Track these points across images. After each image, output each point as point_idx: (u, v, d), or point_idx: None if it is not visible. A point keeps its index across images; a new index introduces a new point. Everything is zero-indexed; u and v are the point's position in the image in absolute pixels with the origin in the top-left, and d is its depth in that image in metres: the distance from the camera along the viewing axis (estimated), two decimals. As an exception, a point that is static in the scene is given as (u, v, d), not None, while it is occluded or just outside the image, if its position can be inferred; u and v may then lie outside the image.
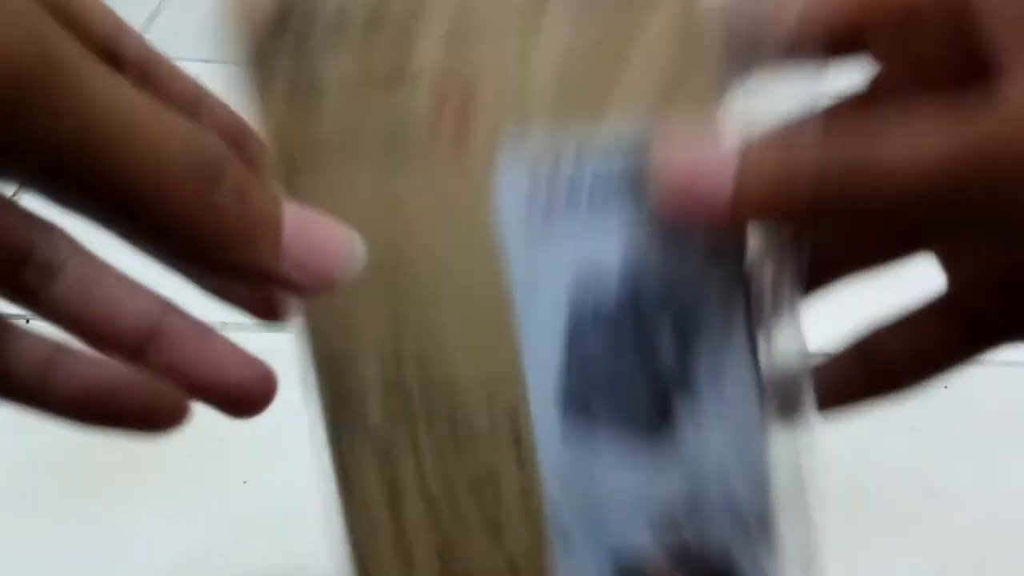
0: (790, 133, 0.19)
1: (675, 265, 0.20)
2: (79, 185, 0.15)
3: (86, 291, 0.21)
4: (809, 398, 0.22)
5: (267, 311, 0.24)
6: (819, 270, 0.22)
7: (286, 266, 0.17)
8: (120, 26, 0.23)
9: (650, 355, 0.21)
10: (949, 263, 0.23)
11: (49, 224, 0.20)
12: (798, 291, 0.21)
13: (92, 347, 0.21)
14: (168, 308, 0.22)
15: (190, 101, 0.24)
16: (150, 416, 0.21)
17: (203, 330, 0.22)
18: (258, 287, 0.18)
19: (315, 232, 0.18)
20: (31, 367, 0.20)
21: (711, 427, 0.21)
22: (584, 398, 0.21)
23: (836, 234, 0.22)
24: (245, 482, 0.43)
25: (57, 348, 0.21)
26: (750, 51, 0.19)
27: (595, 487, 0.21)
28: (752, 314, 0.21)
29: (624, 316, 0.20)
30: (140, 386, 0.21)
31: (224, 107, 0.24)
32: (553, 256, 0.20)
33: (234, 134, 0.24)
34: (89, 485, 0.43)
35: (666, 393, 0.21)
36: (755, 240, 0.21)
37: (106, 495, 0.43)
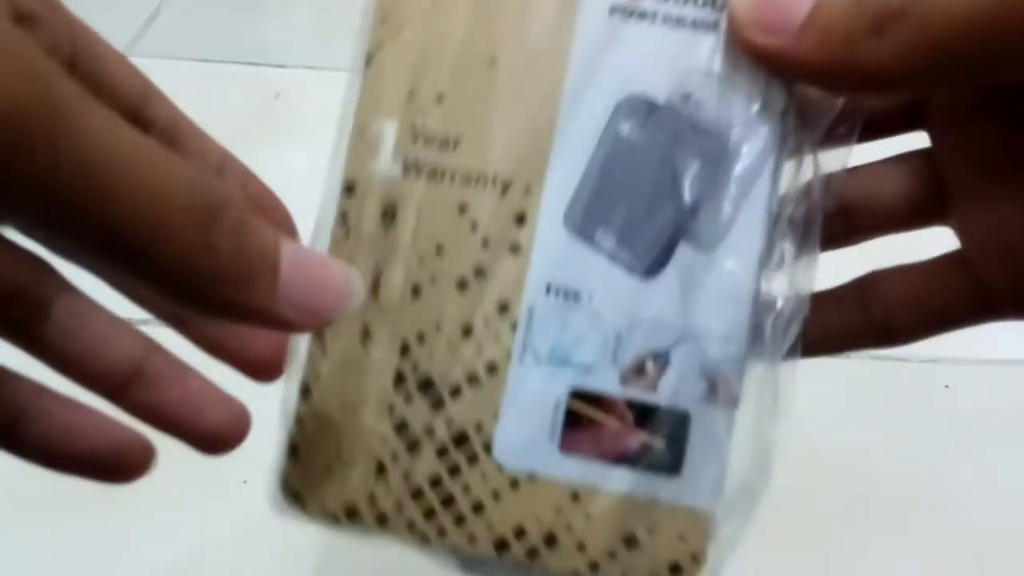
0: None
1: (722, 112, 0.22)
2: (76, 229, 0.14)
3: (72, 330, 0.21)
4: (799, 328, 0.23)
5: (259, 370, 0.24)
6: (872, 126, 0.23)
7: (282, 306, 0.17)
8: (148, 88, 0.23)
9: (670, 193, 0.22)
10: (965, 221, 0.23)
11: (40, 261, 0.21)
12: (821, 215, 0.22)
13: (76, 383, 0.21)
14: (152, 348, 0.23)
15: (216, 166, 0.24)
16: (117, 469, 0.23)
17: (183, 370, 0.23)
18: (255, 327, 0.17)
19: (313, 271, 0.18)
20: (3, 414, 0.21)
21: (707, 283, 0.22)
22: (593, 221, 0.22)
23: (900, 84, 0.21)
24: (245, 482, 0.43)
25: (32, 395, 0.21)
26: None
27: (577, 313, 0.22)
28: (775, 195, 0.22)
29: (657, 148, 0.22)
30: (110, 439, 0.22)
31: (250, 174, 0.25)
32: (610, 67, 0.22)
33: (259, 201, 0.25)
34: (89, 485, 0.43)
35: (674, 235, 0.22)
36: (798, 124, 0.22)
37: (106, 495, 0.42)
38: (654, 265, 0.22)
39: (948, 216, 0.24)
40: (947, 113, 0.23)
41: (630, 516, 0.22)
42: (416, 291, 0.22)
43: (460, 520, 0.22)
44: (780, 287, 0.22)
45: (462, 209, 0.22)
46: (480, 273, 0.22)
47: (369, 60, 0.23)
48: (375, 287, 0.22)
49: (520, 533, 0.22)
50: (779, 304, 0.22)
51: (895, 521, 0.44)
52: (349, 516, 0.23)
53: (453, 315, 0.22)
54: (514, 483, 0.22)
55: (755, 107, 0.22)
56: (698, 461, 0.22)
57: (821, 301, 0.24)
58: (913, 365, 0.51)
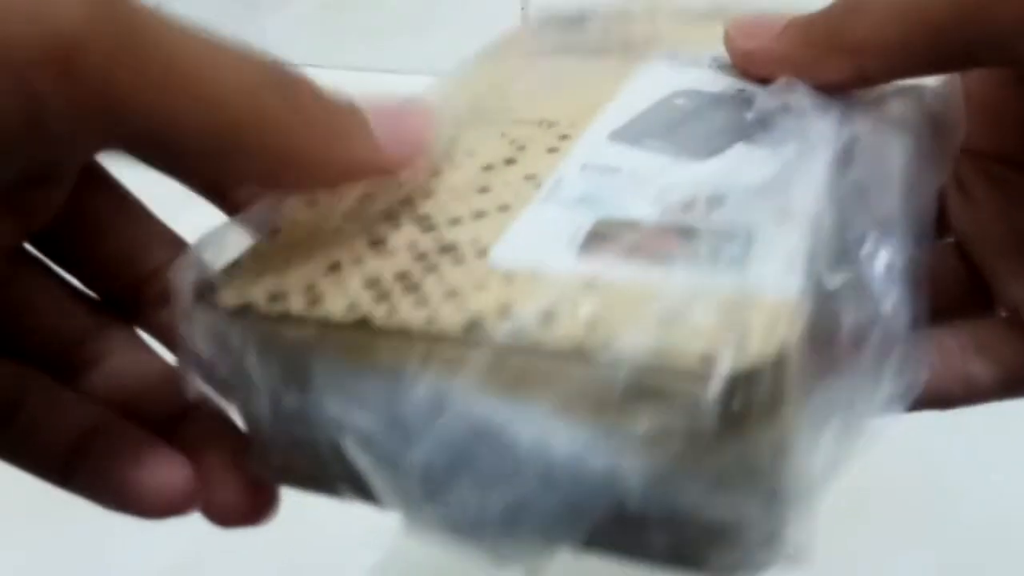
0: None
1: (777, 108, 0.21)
2: (180, 124, 0.15)
3: (121, 378, 0.21)
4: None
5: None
6: None
7: (383, 151, 0.18)
8: None
9: (729, 115, 0.22)
10: (1009, 302, 0.23)
11: (101, 312, 0.21)
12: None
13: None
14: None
15: None
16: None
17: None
18: (361, 179, 0.18)
19: (397, 111, 0.18)
20: (56, 448, 0.20)
21: (764, 160, 0.20)
22: (640, 132, 0.21)
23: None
24: (244, 481, 0.43)
25: (87, 431, 0.20)
26: None
27: (616, 174, 0.20)
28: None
29: (712, 114, 0.22)
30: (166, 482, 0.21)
31: None
32: (669, 72, 0.23)
33: None
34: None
35: (730, 133, 0.21)
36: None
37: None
38: (705, 151, 0.20)
39: (994, 305, 0.23)
40: (971, 200, 0.23)
41: (664, 298, 0.16)
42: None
43: (421, 303, 0.17)
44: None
45: (504, 134, 0.22)
46: (510, 162, 0.21)
47: None
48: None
49: (504, 311, 0.16)
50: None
51: (895, 520, 0.44)
52: (272, 300, 0.17)
53: (470, 178, 0.20)
54: (508, 277, 0.17)
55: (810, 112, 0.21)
56: (762, 269, 0.16)
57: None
58: (913, 365, 0.51)
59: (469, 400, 0.16)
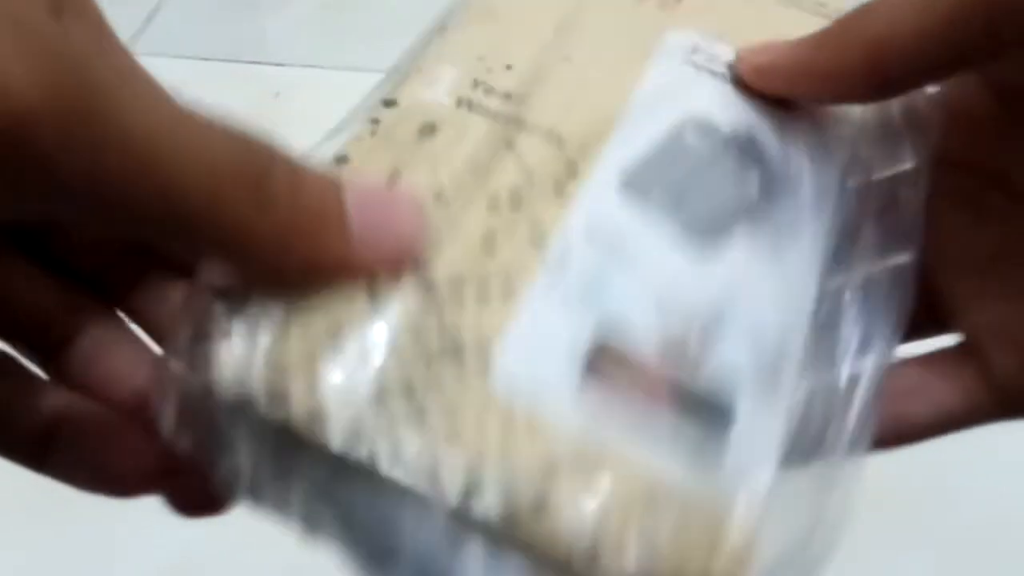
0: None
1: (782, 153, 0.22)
2: (127, 209, 0.14)
3: (94, 358, 0.20)
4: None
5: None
6: None
7: (360, 252, 0.16)
8: None
9: (736, 182, 0.21)
10: (968, 325, 0.23)
11: (74, 290, 0.20)
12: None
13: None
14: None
15: None
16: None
17: None
18: (337, 280, 0.17)
19: (382, 207, 0.17)
20: (29, 434, 0.20)
21: (764, 263, 0.20)
22: (652, 180, 0.21)
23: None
24: (245, 481, 0.43)
25: (61, 415, 0.20)
26: None
27: (620, 266, 0.19)
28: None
29: (719, 158, 0.21)
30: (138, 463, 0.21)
31: None
32: (681, 92, 0.22)
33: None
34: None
35: (735, 212, 0.21)
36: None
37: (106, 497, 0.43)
38: (710, 233, 0.20)
39: (949, 326, 0.23)
40: (936, 218, 0.23)
41: (654, 504, 0.17)
42: (438, 196, 0.19)
43: (426, 441, 0.17)
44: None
45: (509, 144, 0.20)
46: (516, 201, 0.20)
47: (442, 30, 0.22)
48: (388, 185, 0.19)
49: (503, 471, 0.17)
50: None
51: (896, 521, 0.44)
52: (272, 400, 0.17)
53: (474, 225, 0.19)
54: (508, 417, 0.17)
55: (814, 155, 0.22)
56: (739, 458, 0.18)
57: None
58: (913, 365, 0.51)
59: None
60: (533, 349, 0.18)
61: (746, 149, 0.22)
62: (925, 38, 0.19)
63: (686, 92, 0.23)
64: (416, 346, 0.17)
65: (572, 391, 0.18)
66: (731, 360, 0.19)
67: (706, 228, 0.21)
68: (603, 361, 0.18)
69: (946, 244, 0.23)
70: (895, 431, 0.23)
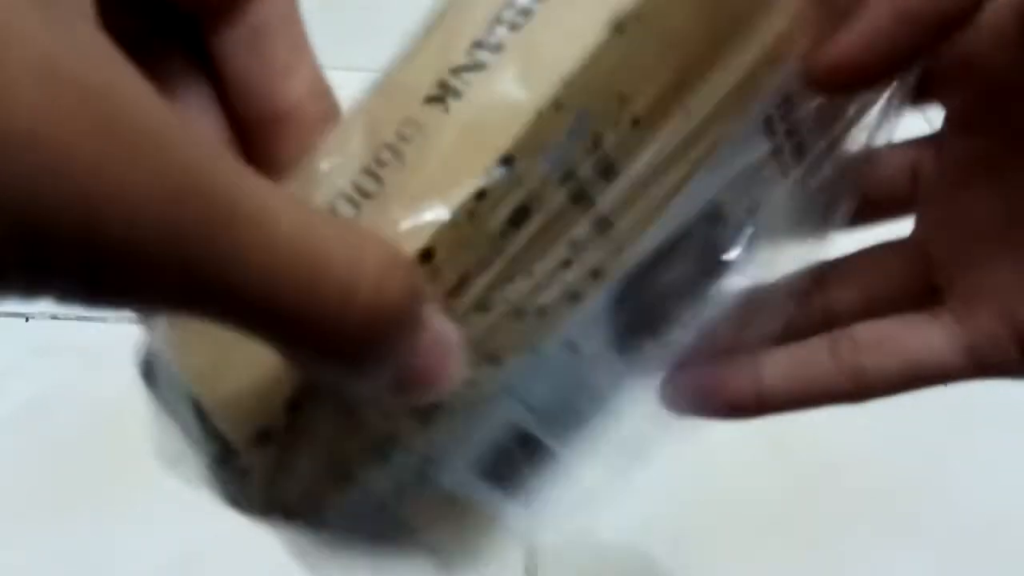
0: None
1: None
2: (231, 310, 0.13)
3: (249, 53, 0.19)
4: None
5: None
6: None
7: (412, 373, 0.16)
8: None
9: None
10: (963, 295, 0.23)
11: None
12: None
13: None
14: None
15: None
16: None
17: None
18: (375, 388, 0.16)
19: (444, 347, 0.16)
20: None
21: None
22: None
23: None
24: (245, 481, 0.43)
25: None
26: None
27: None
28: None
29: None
30: None
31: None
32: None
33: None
34: (89, 485, 0.43)
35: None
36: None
37: (106, 494, 0.43)
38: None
39: (944, 298, 0.23)
40: (934, 188, 0.23)
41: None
42: (481, 306, 0.18)
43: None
44: None
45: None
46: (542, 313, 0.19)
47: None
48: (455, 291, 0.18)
49: None
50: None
51: (896, 521, 0.44)
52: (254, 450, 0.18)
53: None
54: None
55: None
56: None
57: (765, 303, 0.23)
58: (913, 365, 0.51)
59: None
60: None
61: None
62: None
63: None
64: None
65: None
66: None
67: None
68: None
69: (958, 207, 0.23)
70: (862, 381, 0.24)
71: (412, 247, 0.17)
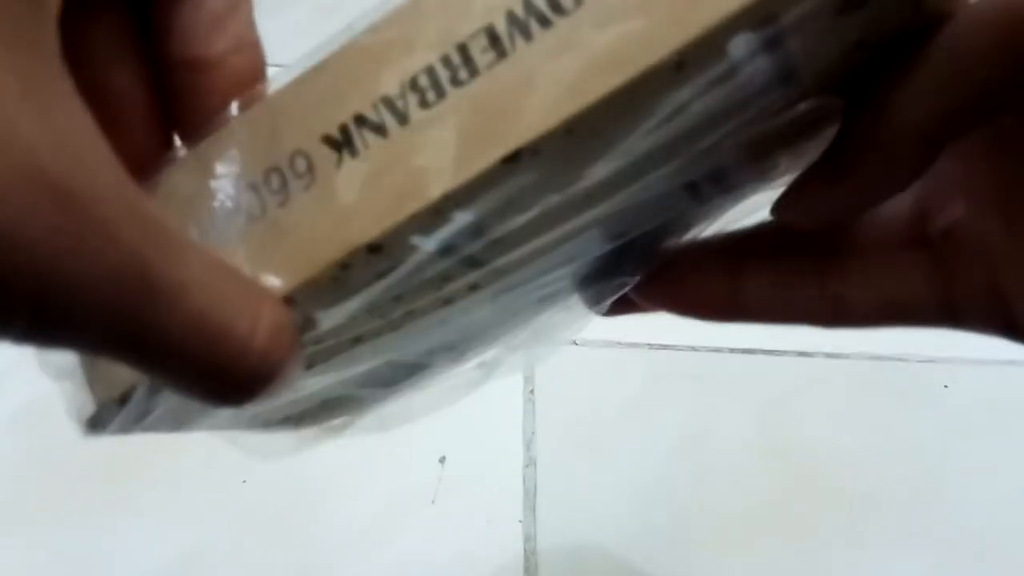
0: None
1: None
2: (176, 372, 0.16)
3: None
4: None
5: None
6: None
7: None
8: None
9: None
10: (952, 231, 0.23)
11: None
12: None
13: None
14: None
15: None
16: None
17: None
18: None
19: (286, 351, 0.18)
20: None
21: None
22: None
23: None
24: (244, 481, 0.43)
25: None
26: None
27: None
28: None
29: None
30: None
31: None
32: None
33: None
34: (89, 484, 0.43)
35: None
36: None
37: (106, 494, 0.43)
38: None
39: (935, 248, 0.23)
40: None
41: None
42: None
43: None
44: None
45: None
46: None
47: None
48: None
49: None
50: None
51: (895, 521, 0.44)
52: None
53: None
54: None
55: None
56: None
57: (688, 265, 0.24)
58: (912, 365, 0.51)
59: None
60: None
61: None
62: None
63: None
64: None
65: None
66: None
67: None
68: None
69: (960, 169, 0.22)
70: (841, 309, 0.23)
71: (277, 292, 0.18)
